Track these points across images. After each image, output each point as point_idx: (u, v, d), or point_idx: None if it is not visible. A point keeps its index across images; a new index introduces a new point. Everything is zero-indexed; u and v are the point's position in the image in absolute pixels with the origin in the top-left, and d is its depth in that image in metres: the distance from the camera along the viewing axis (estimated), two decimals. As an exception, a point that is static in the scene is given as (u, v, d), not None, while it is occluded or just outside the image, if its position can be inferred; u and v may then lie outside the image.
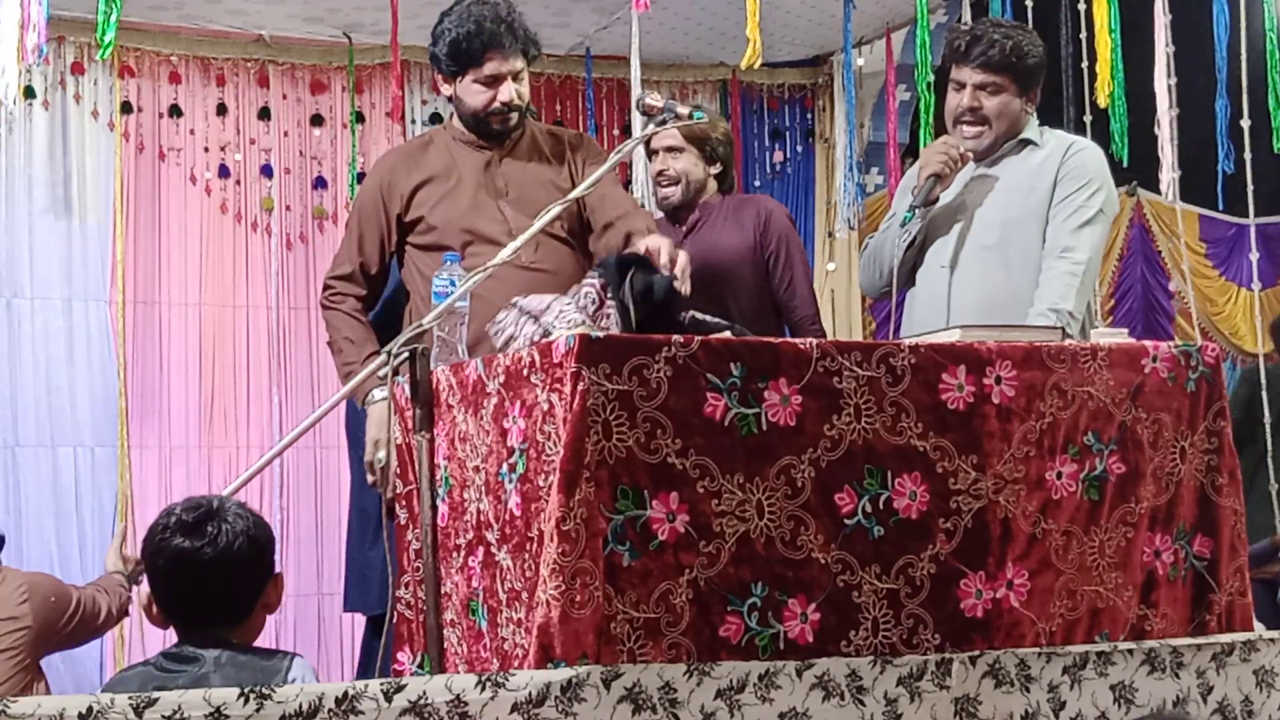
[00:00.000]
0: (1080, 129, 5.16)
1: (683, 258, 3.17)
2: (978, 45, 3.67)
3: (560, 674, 2.29)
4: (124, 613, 3.74)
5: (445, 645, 2.84)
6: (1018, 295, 3.57)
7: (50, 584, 3.70)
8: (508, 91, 3.61)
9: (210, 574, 2.64)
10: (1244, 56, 4.77)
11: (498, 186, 3.65)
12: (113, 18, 4.06)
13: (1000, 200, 3.71)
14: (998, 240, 3.67)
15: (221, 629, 2.69)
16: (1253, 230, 6.63)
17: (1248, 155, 4.89)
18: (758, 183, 6.81)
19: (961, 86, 3.71)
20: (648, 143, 4.25)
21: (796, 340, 2.60)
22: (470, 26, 3.57)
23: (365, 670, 4.05)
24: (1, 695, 2.98)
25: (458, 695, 2.22)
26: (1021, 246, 3.65)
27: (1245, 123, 4.81)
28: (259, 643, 2.79)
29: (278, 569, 2.77)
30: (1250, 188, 5.11)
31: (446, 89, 3.70)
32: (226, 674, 2.58)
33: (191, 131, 5.99)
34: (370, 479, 3.77)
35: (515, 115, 3.66)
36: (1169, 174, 4.41)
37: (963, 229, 3.72)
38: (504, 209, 3.62)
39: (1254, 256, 6.40)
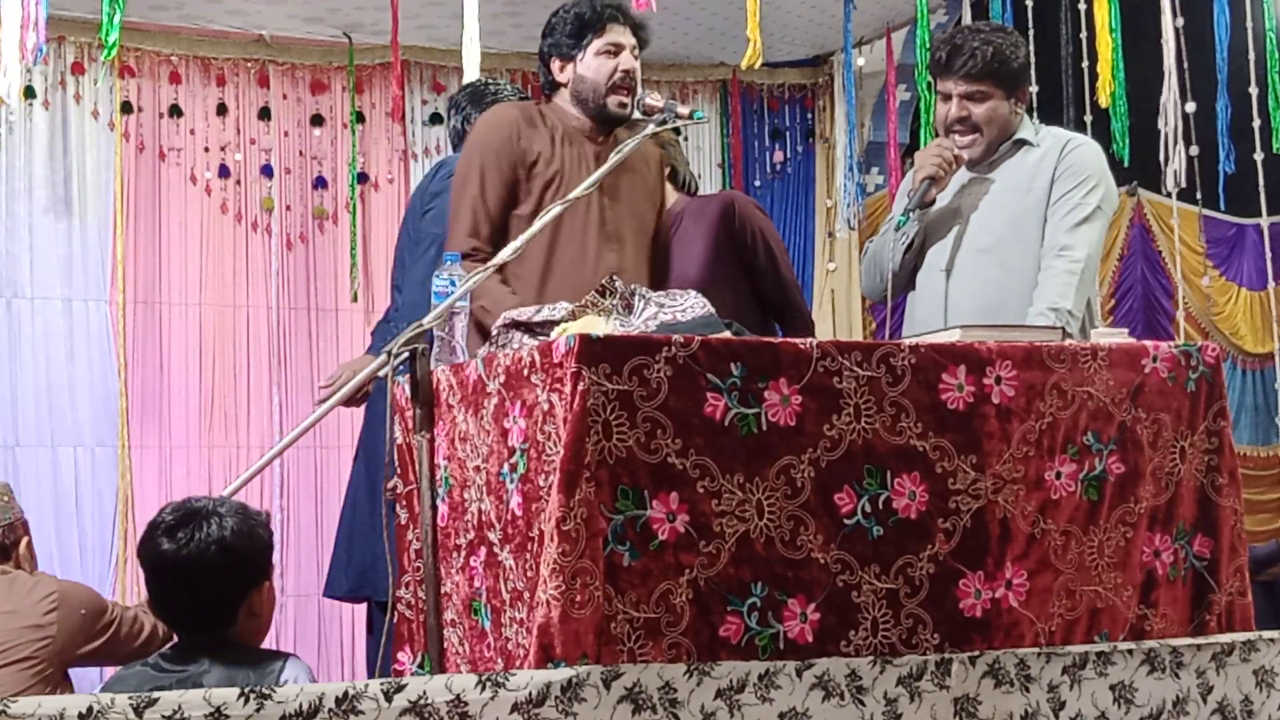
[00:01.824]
0: (1080, 129, 5.16)
1: None
2: (959, 56, 3.66)
3: (560, 674, 2.29)
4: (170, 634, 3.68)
5: (446, 645, 2.84)
6: (1016, 297, 3.57)
7: (84, 596, 3.63)
8: (628, 60, 3.63)
9: (183, 578, 2.66)
10: (1251, 57, 4.77)
11: (603, 183, 3.64)
12: (116, 18, 4.05)
13: (997, 202, 3.71)
14: (995, 242, 3.67)
15: (216, 630, 2.69)
16: (1265, 229, 6.64)
17: (1259, 156, 4.90)
18: (758, 183, 6.82)
19: (948, 97, 3.72)
20: None
21: (796, 340, 2.60)
22: (596, 4, 3.64)
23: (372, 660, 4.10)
24: None
25: (458, 695, 2.22)
26: (1019, 248, 3.64)
27: (1256, 123, 4.82)
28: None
29: (277, 569, 2.78)
30: (1263, 187, 5.12)
31: (564, 74, 3.66)
32: (220, 675, 2.59)
33: (192, 131, 5.99)
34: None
35: (630, 98, 3.63)
36: (1176, 164, 4.40)
37: (960, 232, 3.72)
38: (606, 209, 3.62)
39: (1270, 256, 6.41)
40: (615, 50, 3.63)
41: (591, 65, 3.64)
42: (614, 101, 3.62)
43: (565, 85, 3.69)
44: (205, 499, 2.78)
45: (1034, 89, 4.73)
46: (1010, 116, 3.72)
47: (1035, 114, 3.87)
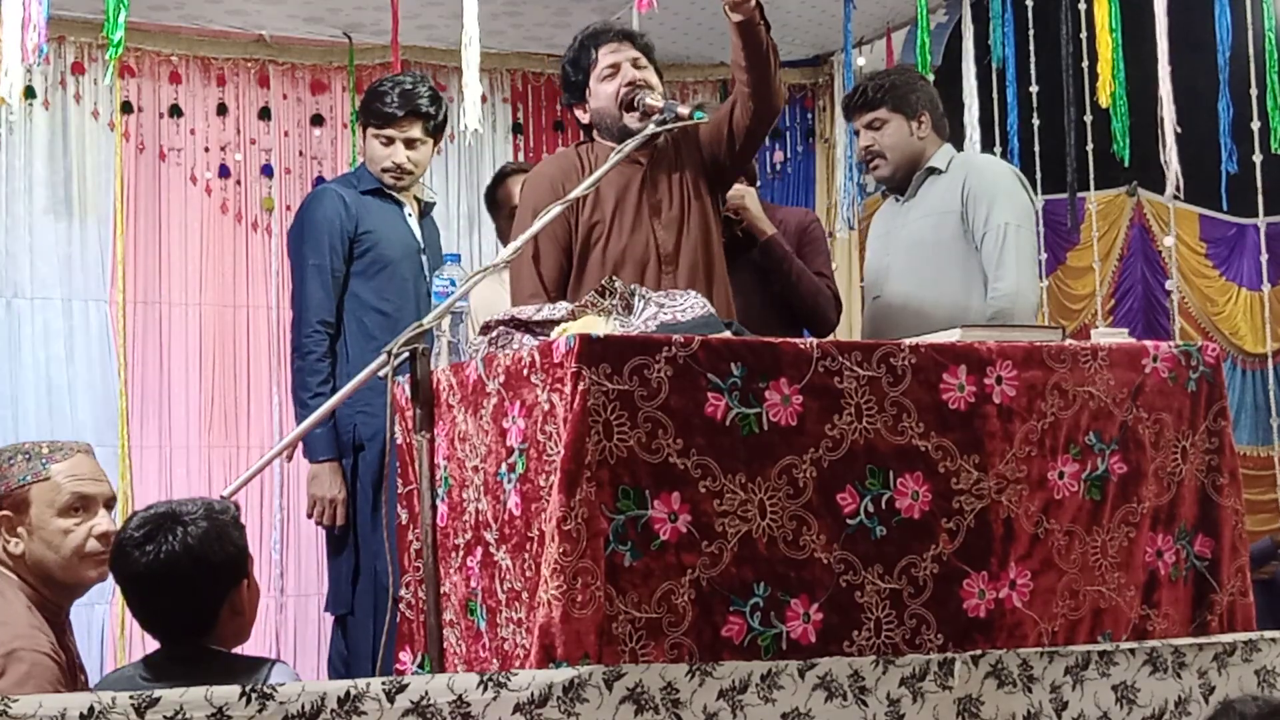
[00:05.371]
0: (1080, 129, 5.18)
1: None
2: (854, 96, 4.09)
3: (562, 674, 2.29)
4: None
5: (445, 645, 2.84)
6: (942, 322, 3.61)
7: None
8: (630, 72, 3.62)
9: (156, 591, 2.62)
10: (1251, 57, 4.77)
11: (652, 204, 3.62)
12: (121, 17, 4.04)
13: (916, 230, 3.97)
14: (917, 270, 3.92)
15: (197, 637, 2.65)
16: (1262, 229, 6.64)
17: (1257, 157, 4.90)
18: (758, 183, 6.80)
19: (858, 133, 4.09)
20: None
21: (797, 340, 2.60)
22: (581, 38, 3.70)
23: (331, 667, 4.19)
24: None
25: (460, 695, 2.22)
26: (937, 272, 3.88)
27: (1255, 124, 4.82)
28: (252, 644, 2.78)
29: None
30: (1260, 187, 5.12)
31: (587, 116, 3.70)
32: (203, 681, 2.56)
33: (192, 131, 5.99)
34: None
35: (647, 98, 3.58)
36: (1172, 170, 4.41)
37: (889, 261, 4.02)
38: (657, 231, 3.60)
39: (1264, 258, 6.42)
40: (614, 71, 3.64)
41: (599, 94, 3.66)
42: (631, 119, 3.60)
43: (592, 125, 3.72)
44: (168, 504, 2.71)
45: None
46: (913, 140, 4.00)
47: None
